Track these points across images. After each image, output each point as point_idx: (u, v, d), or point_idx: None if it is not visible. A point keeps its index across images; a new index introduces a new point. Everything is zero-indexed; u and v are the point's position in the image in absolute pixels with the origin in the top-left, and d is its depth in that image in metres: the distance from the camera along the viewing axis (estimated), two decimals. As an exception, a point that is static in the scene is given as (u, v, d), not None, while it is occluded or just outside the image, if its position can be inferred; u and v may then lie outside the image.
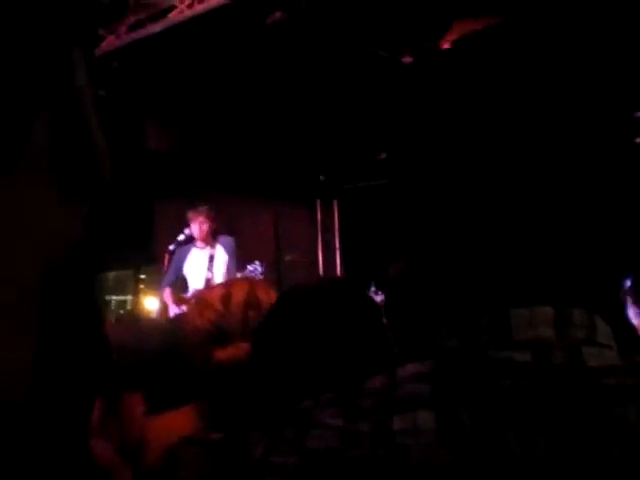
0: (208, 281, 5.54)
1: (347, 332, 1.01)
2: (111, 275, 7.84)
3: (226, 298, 1.55)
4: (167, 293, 5.67)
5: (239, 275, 5.47)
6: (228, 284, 1.65)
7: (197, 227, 5.61)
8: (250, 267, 5.62)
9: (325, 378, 0.99)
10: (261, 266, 5.63)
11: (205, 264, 5.64)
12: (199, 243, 5.67)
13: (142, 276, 7.48)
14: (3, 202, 0.39)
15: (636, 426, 0.58)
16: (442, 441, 0.58)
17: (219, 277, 5.54)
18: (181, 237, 5.69)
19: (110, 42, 5.98)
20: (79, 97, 0.43)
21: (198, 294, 1.73)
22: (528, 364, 0.61)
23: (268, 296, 1.60)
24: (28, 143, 0.39)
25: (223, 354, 1.46)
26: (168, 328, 2.05)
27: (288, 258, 7.93)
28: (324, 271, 8.46)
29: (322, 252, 8.52)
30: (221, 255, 5.67)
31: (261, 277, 5.47)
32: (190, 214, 5.66)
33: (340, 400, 0.63)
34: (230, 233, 5.90)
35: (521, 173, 0.65)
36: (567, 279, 0.66)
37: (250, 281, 1.64)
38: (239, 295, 1.56)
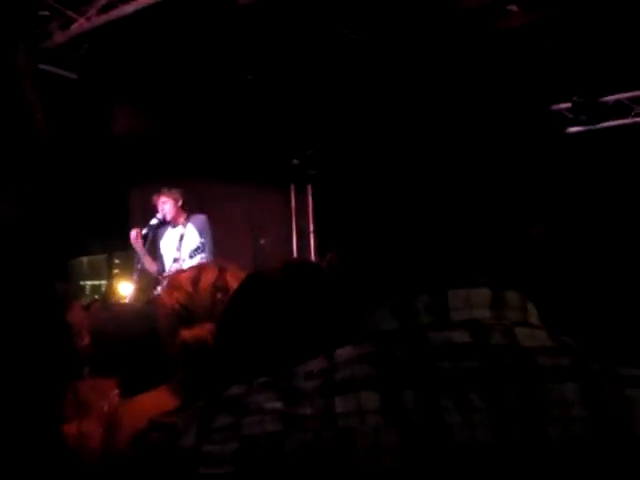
0: (176, 260, 5.53)
1: (303, 317, 1.03)
2: (85, 260, 7.77)
3: (195, 280, 1.59)
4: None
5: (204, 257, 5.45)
6: (199, 267, 1.68)
7: (162, 208, 5.61)
8: (196, 244, 5.58)
9: (280, 363, 1.00)
10: (201, 244, 5.56)
11: (175, 244, 5.64)
12: (172, 223, 5.67)
13: (116, 261, 7.42)
14: None
15: (573, 404, 0.59)
16: (388, 422, 0.57)
17: (185, 256, 5.54)
18: (154, 221, 5.66)
19: (81, 25, 5.90)
20: (19, 77, 0.42)
21: (170, 276, 1.75)
22: (467, 345, 0.61)
23: (237, 280, 1.62)
24: None
25: (189, 334, 1.49)
26: (144, 311, 2.06)
27: (262, 242, 7.93)
28: (298, 255, 8.47)
29: (296, 236, 8.53)
30: (192, 234, 5.66)
31: (203, 256, 5.44)
32: (155, 198, 5.65)
33: (275, 384, 0.62)
34: (209, 214, 5.88)
35: (454, 156, 0.65)
36: (502, 261, 0.67)
37: (220, 265, 1.67)
38: (208, 278, 1.59)
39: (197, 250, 5.51)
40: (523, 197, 0.67)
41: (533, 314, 0.66)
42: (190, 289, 1.57)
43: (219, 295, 1.57)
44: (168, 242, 5.70)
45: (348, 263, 0.71)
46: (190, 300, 1.55)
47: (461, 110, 0.66)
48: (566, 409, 0.59)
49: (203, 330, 1.50)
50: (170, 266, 5.52)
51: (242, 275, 1.68)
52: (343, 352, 0.63)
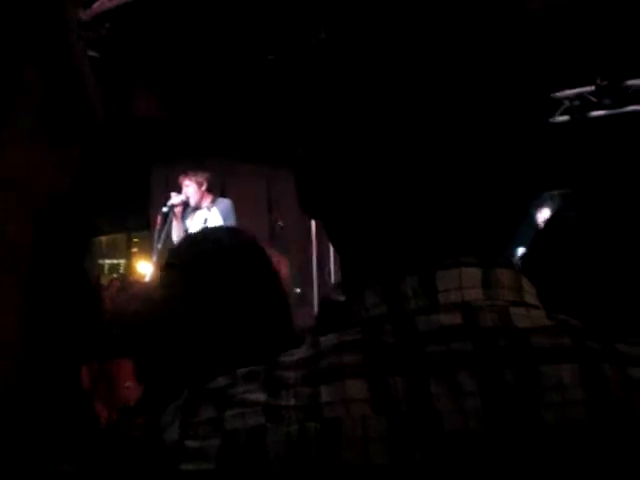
0: None
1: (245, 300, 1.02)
2: (104, 239, 7.83)
3: None
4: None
5: None
6: None
7: (185, 192, 5.64)
8: None
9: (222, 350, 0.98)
10: None
11: (199, 227, 5.68)
12: (199, 206, 5.70)
13: (135, 240, 7.47)
14: None
15: (572, 386, 0.56)
16: (376, 410, 0.55)
17: None
18: (175, 200, 5.70)
19: (102, 3, 5.90)
20: (70, 47, 0.42)
21: None
22: (458, 327, 0.59)
23: (277, 262, 1.64)
24: (16, 95, 0.38)
25: None
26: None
27: (280, 223, 7.93)
28: (317, 236, 8.47)
29: (315, 217, 8.52)
30: (216, 218, 5.69)
31: None
32: (181, 178, 5.68)
33: (258, 374, 0.59)
34: (226, 196, 5.91)
35: (442, 132, 0.62)
36: (492, 239, 0.64)
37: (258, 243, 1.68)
38: None
39: None
40: (512, 173, 0.64)
41: (529, 293, 0.63)
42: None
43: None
44: (193, 224, 5.74)
45: (335, 246, 0.69)
46: None
47: (450, 89, 0.63)
48: (564, 392, 0.56)
49: None
50: None
51: (282, 258, 1.70)
52: (328, 339, 0.61)
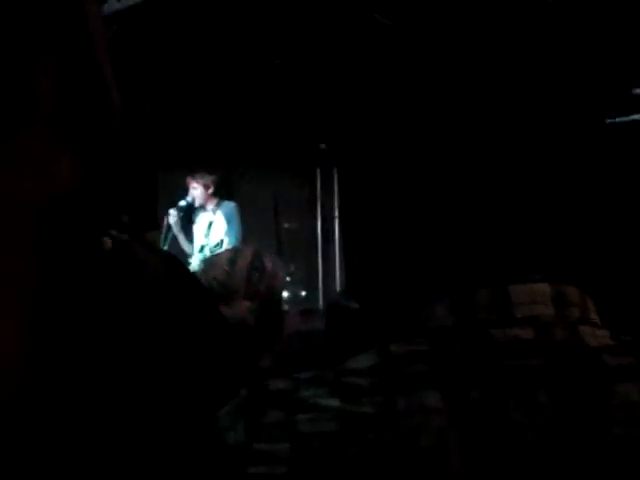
0: (203, 248, 5.57)
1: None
2: (110, 241, 7.83)
3: (233, 260, 1.65)
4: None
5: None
6: (235, 249, 1.76)
7: (191, 193, 5.65)
8: (215, 242, 5.61)
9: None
10: (222, 243, 5.59)
11: (204, 230, 5.69)
12: (202, 208, 5.72)
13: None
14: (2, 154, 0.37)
15: (637, 405, 0.58)
16: (453, 422, 0.55)
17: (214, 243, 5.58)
18: (182, 203, 5.71)
19: (111, 5, 5.91)
20: (92, 42, 0.42)
21: (207, 258, 1.83)
22: (531, 342, 0.60)
23: (273, 263, 1.70)
24: (33, 89, 0.38)
25: (227, 311, 1.52)
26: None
27: (286, 226, 7.94)
28: (322, 239, 8.47)
29: (321, 221, 8.53)
30: (220, 222, 5.70)
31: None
32: (188, 180, 5.70)
33: (325, 379, 0.59)
34: (232, 199, 5.92)
35: (514, 147, 0.63)
36: (560, 256, 0.65)
37: (257, 249, 1.73)
38: (245, 258, 1.66)
39: (217, 246, 5.55)
40: (581, 193, 0.66)
41: (592, 310, 0.65)
42: (227, 267, 1.63)
43: (256, 275, 1.63)
44: (199, 227, 5.76)
45: (400, 258, 0.69)
46: (227, 278, 1.61)
47: (523, 102, 0.64)
48: (632, 410, 0.58)
49: (241, 307, 1.55)
50: (197, 253, 5.56)
51: (277, 260, 1.76)
52: (397, 348, 0.61)
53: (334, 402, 0.57)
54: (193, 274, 1.14)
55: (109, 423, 0.89)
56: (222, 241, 5.55)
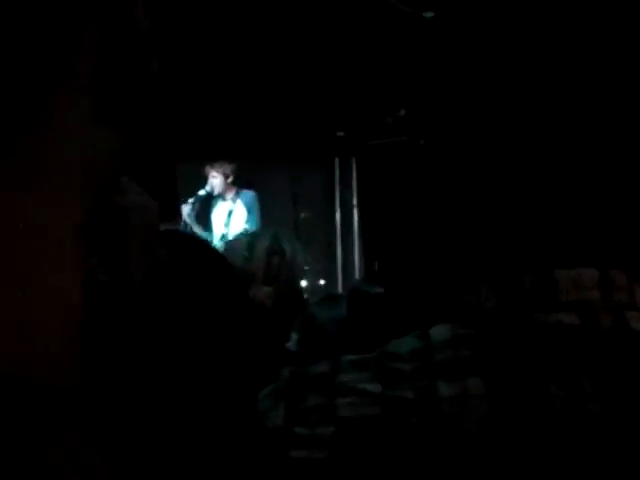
0: (224, 237, 5.58)
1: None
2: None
3: (251, 245, 1.65)
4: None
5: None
6: (254, 234, 1.76)
7: (211, 182, 5.65)
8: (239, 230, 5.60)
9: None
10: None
11: (224, 219, 5.69)
12: (222, 197, 5.71)
13: (161, 232, 7.50)
14: (38, 129, 0.36)
15: None
16: (496, 408, 0.55)
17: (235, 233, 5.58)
18: (202, 192, 5.72)
19: None
20: (135, 21, 0.41)
21: (226, 242, 1.83)
22: (577, 327, 0.59)
23: (292, 246, 1.69)
24: (71, 64, 0.37)
25: None
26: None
27: (304, 215, 7.94)
28: (341, 228, 8.45)
29: (340, 209, 8.52)
30: (240, 210, 5.70)
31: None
32: (207, 169, 5.70)
33: (366, 363, 0.59)
34: (250, 188, 5.92)
35: (557, 134, 0.63)
36: (608, 241, 0.64)
37: (275, 231, 1.73)
38: (264, 243, 1.66)
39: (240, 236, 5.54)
40: (627, 179, 0.65)
41: (639, 295, 0.64)
42: (246, 253, 1.63)
43: (275, 259, 1.63)
44: (218, 216, 5.76)
45: (444, 240, 0.68)
46: (246, 263, 1.61)
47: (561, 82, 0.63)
48: None
49: (260, 292, 1.56)
50: (218, 242, 5.57)
51: (297, 242, 1.76)
52: (439, 332, 0.61)
53: (375, 387, 0.57)
54: (225, 259, 1.14)
55: (152, 409, 0.90)
56: (246, 231, 5.56)
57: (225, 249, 1.73)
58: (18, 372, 0.32)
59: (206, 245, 1.16)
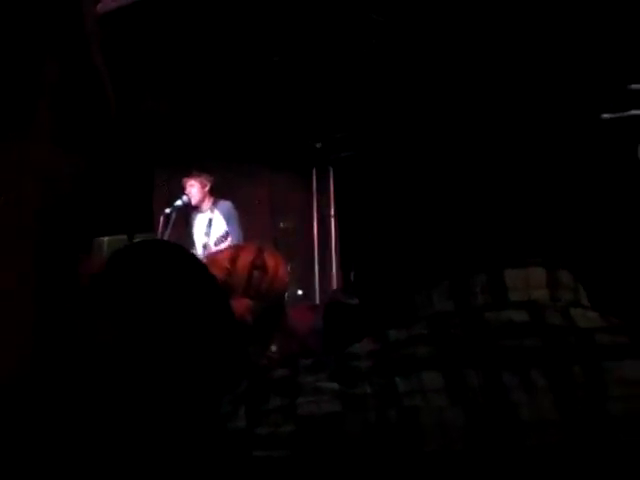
0: (205, 247, 5.57)
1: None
2: (106, 240, 7.82)
3: (234, 258, 1.64)
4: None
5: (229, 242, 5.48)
6: (238, 247, 1.75)
7: (190, 191, 5.64)
8: (221, 233, 5.61)
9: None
10: (226, 234, 5.60)
11: (204, 229, 5.68)
12: (201, 208, 5.71)
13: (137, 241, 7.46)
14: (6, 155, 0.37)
15: (633, 381, 0.59)
16: (453, 401, 0.57)
17: (213, 244, 5.58)
18: (178, 202, 5.70)
19: (106, 3, 5.89)
20: (88, 43, 0.41)
21: (209, 255, 1.81)
22: (527, 324, 0.61)
23: (275, 261, 1.69)
24: (37, 91, 0.37)
25: None
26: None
27: (282, 225, 7.94)
28: (318, 239, 8.46)
29: (317, 220, 8.53)
30: (219, 220, 5.70)
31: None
32: (184, 179, 5.69)
33: (324, 364, 0.60)
34: (228, 198, 5.92)
35: (510, 136, 0.64)
36: (555, 241, 0.66)
37: (259, 246, 1.72)
38: (247, 256, 1.65)
39: (223, 237, 5.54)
40: (578, 178, 0.66)
41: (584, 294, 0.66)
42: (228, 265, 1.62)
43: (257, 273, 1.62)
44: (197, 227, 5.75)
45: (394, 244, 0.70)
46: (228, 276, 1.60)
47: (509, 86, 0.65)
48: (627, 387, 0.59)
49: (241, 305, 1.55)
50: (200, 252, 5.55)
51: (280, 257, 1.74)
52: (395, 333, 0.62)
53: (334, 385, 0.58)
54: (205, 268, 1.12)
55: (113, 410, 0.90)
56: (227, 233, 5.55)
57: (207, 261, 1.71)
58: None
59: (188, 254, 1.16)
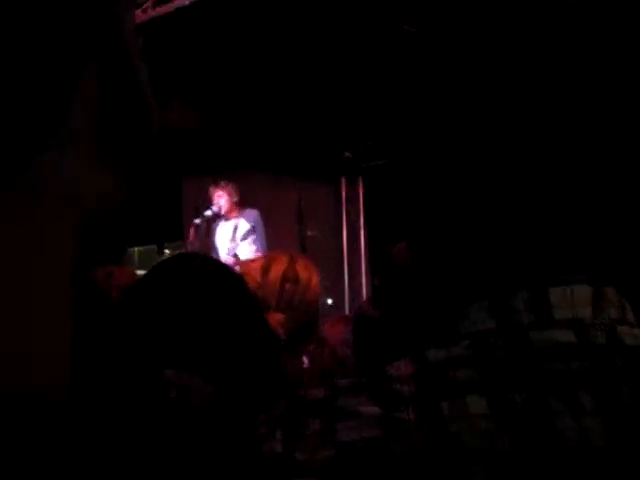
0: (231, 251, 5.61)
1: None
2: (137, 250, 7.89)
3: (265, 269, 1.61)
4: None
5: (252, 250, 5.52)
6: (269, 257, 1.70)
7: (218, 202, 5.69)
8: (231, 245, 5.65)
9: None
10: (235, 248, 5.63)
11: (229, 235, 5.72)
12: (225, 216, 5.75)
13: (167, 252, 7.52)
14: (40, 176, 0.37)
15: None
16: (499, 426, 0.55)
17: (243, 247, 5.62)
18: (208, 212, 5.74)
19: (136, 16, 5.95)
20: (127, 48, 0.41)
21: (240, 265, 1.77)
22: (573, 345, 0.59)
23: (308, 272, 1.65)
24: (74, 101, 0.37)
25: None
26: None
27: (310, 234, 7.94)
28: (347, 248, 8.44)
29: (346, 229, 8.52)
30: (244, 226, 5.74)
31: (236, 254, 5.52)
32: (212, 189, 5.73)
33: (364, 387, 0.58)
34: (256, 207, 5.95)
35: (548, 148, 0.62)
36: (600, 257, 0.64)
37: (291, 256, 1.68)
38: (279, 268, 1.61)
39: (249, 232, 5.58)
40: (624, 194, 0.64)
41: (630, 311, 0.64)
42: (259, 278, 1.59)
43: (288, 285, 1.58)
44: (222, 235, 5.79)
45: (434, 260, 0.68)
46: (259, 288, 1.57)
47: (555, 97, 0.63)
48: None
49: (272, 319, 1.51)
50: (226, 256, 5.60)
51: (312, 267, 1.71)
52: (435, 354, 0.60)
53: (375, 409, 0.56)
54: (244, 285, 1.10)
55: (144, 428, 0.89)
56: (253, 227, 5.58)
57: (239, 271, 1.68)
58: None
59: (224, 267, 1.13)
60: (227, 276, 1.07)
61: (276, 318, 1.53)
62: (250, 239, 5.67)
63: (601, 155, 0.63)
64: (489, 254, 0.64)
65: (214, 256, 5.75)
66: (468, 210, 0.64)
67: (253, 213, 5.85)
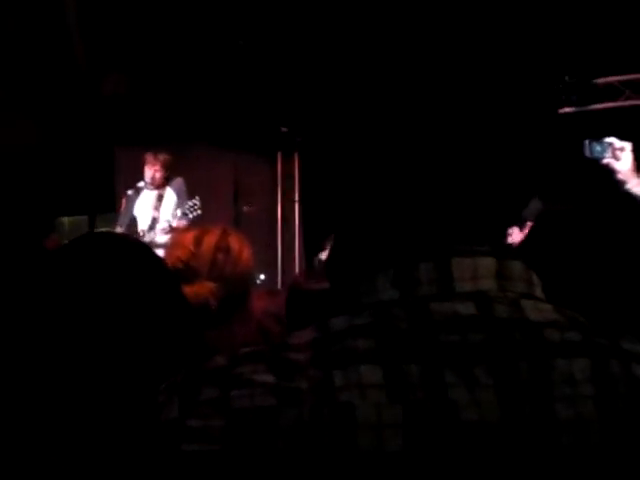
0: (154, 220, 5.56)
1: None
2: (67, 220, 7.71)
3: (199, 239, 1.63)
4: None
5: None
6: (203, 229, 1.72)
7: (151, 172, 5.61)
8: (190, 202, 5.59)
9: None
10: (198, 202, 5.59)
11: (152, 203, 5.66)
12: (149, 185, 5.68)
13: (98, 222, 7.38)
14: None
15: (582, 381, 0.57)
16: (391, 397, 0.55)
17: (166, 216, 5.57)
18: (141, 183, 5.65)
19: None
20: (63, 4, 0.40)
21: (173, 236, 1.78)
22: (472, 317, 0.58)
23: (240, 244, 1.67)
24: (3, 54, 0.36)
25: (189, 290, 1.49)
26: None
27: (246, 209, 7.90)
28: (282, 223, 8.45)
29: (281, 204, 8.51)
30: (170, 196, 5.69)
31: (199, 213, 5.49)
32: (147, 157, 5.64)
33: (263, 355, 0.58)
34: (190, 179, 5.90)
35: (454, 124, 0.62)
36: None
37: (224, 228, 1.71)
38: (211, 238, 1.63)
39: (193, 207, 5.53)
40: (525, 167, 0.65)
41: (537, 285, 0.64)
42: (192, 248, 1.61)
43: (220, 256, 1.61)
44: (144, 203, 5.71)
45: (343, 232, 0.68)
46: (192, 258, 1.59)
47: (459, 79, 0.63)
48: (575, 387, 0.57)
49: (203, 288, 1.54)
50: (149, 226, 5.54)
51: (245, 241, 1.72)
52: (337, 322, 0.60)
53: (270, 377, 0.55)
54: (157, 257, 1.11)
55: (48, 392, 0.89)
56: (196, 204, 5.53)
57: (171, 243, 1.69)
58: None
59: (135, 243, 1.13)
60: (137, 250, 1.08)
61: (208, 287, 1.56)
62: (176, 208, 5.63)
63: (504, 128, 0.63)
64: (397, 224, 0.63)
65: (132, 226, 5.70)
66: (378, 181, 0.64)
67: (179, 181, 5.80)
